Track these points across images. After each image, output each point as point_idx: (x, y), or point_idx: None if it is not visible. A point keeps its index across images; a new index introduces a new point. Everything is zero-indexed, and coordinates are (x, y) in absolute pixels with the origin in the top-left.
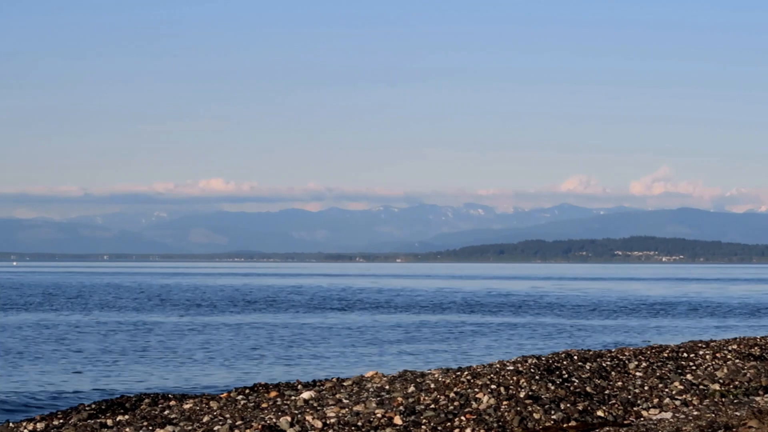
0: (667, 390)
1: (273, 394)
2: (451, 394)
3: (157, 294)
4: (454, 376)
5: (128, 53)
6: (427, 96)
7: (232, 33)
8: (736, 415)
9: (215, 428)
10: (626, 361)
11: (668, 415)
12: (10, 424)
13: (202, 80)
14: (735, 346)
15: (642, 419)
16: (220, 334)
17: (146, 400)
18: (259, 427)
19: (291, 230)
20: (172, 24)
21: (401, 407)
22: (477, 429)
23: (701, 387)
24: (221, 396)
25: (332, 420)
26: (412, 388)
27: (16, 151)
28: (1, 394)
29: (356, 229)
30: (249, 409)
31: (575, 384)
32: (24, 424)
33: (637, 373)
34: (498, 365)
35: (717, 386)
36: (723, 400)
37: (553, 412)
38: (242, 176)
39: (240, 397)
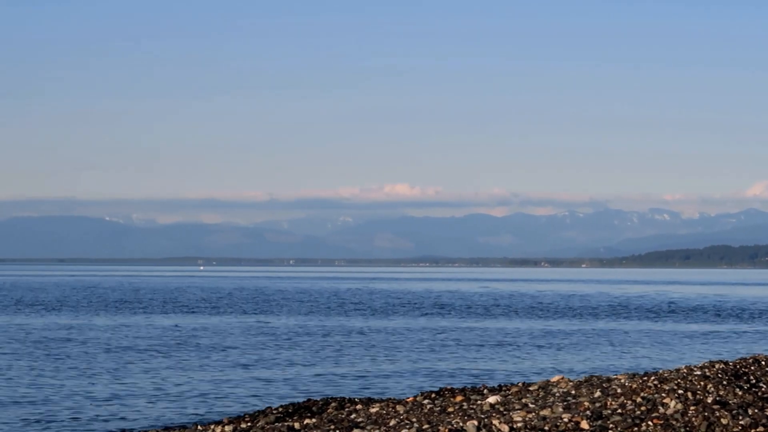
0: None
1: (459, 398)
2: (638, 399)
3: (349, 298)
4: (640, 380)
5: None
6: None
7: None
8: None
9: None
10: None
11: None
12: (199, 427)
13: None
14: None
15: None
16: (403, 337)
17: (333, 404)
18: (446, 430)
19: (476, 235)
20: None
21: (588, 412)
22: None
23: None
24: (407, 400)
25: (519, 424)
26: (598, 393)
27: (203, 157)
28: (194, 396)
29: (541, 233)
30: (435, 413)
31: (763, 389)
32: (212, 426)
33: None
34: (685, 370)
35: None
36: None
37: (740, 417)
38: (427, 181)
39: (426, 401)
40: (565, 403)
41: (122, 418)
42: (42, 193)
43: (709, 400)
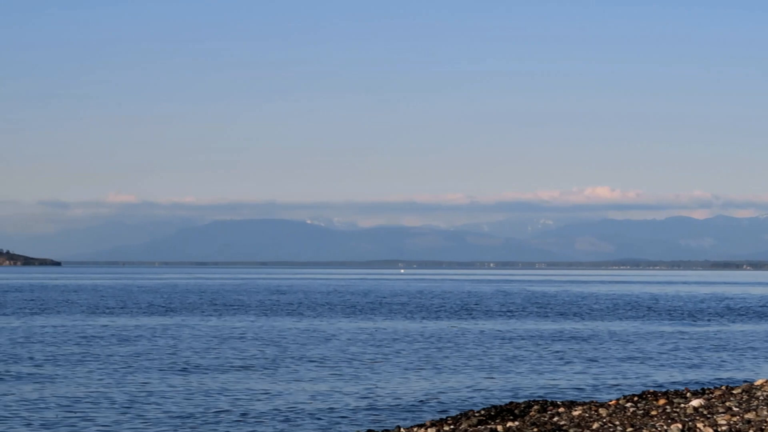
0: None
1: (662, 401)
2: None
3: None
4: None
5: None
6: None
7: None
8: None
9: None
10: None
11: None
12: (402, 429)
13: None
14: None
15: None
16: (606, 340)
17: (535, 407)
18: None
19: (677, 238)
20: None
21: None
22: None
23: None
24: (610, 403)
25: (723, 428)
26: None
27: (405, 161)
28: (396, 397)
29: (743, 236)
30: (638, 417)
31: None
32: (414, 429)
33: None
34: None
35: None
36: None
37: None
38: (628, 184)
39: (629, 404)
40: None
41: (319, 419)
42: (243, 197)
43: None
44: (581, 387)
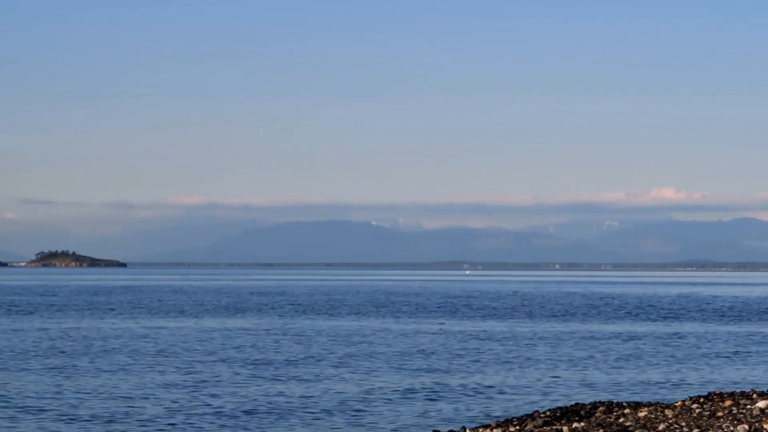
0: None
1: (728, 402)
2: None
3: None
4: None
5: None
6: None
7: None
8: None
9: None
10: None
11: None
12: (467, 430)
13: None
14: None
15: None
16: (685, 340)
17: (601, 408)
18: None
19: (743, 239)
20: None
21: None
22: None
23: None
24: (676, 404)
25: None
26: None
27: (470, 162)
28: (469, 398)
29: None
30: (704, 418)
31: None
32: (480, 430)
33: None
34: None
35: None
36: None
37: None
38: (694, 185)
39: (694, 405)
40: None
41: (387, 419)
42: (309, 199)
43: None
44: (647, 388)
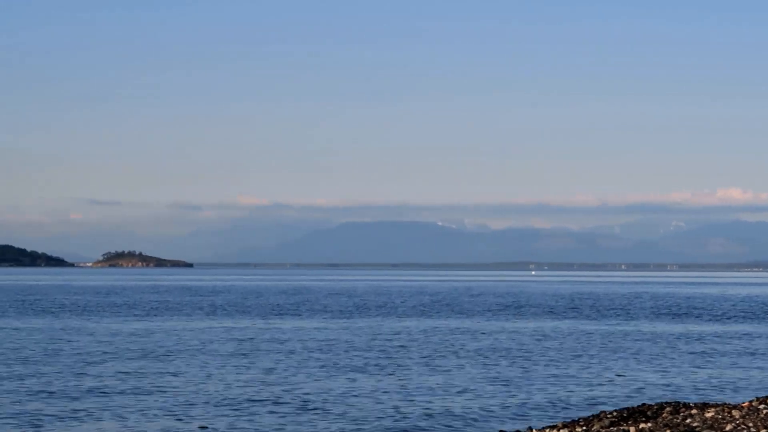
0: None
1: None
2: None
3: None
4: None
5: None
6: None
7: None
8: None
9: None
10: None
11: None
12: (533, 430)
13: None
14: None
15: None
16: (736, 341)
17: (668, 408)
18: None
19: None
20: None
21: None
22: None
23: None
24: (743, 405)
25: None
26: None
27: (535, 162)
28: (533, 398)
29: None
30: None
31: None
32: (546, 430)
33: None
34: None
35: None
36: None
37: None
38: (761, 185)
39: (762, 406)
40: None
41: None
42: (374, 200)
43: None
44: (714, 388)
